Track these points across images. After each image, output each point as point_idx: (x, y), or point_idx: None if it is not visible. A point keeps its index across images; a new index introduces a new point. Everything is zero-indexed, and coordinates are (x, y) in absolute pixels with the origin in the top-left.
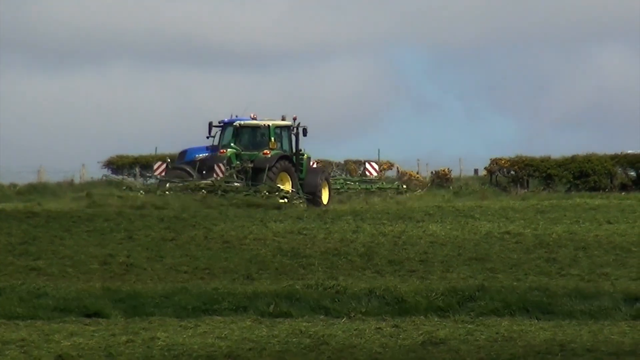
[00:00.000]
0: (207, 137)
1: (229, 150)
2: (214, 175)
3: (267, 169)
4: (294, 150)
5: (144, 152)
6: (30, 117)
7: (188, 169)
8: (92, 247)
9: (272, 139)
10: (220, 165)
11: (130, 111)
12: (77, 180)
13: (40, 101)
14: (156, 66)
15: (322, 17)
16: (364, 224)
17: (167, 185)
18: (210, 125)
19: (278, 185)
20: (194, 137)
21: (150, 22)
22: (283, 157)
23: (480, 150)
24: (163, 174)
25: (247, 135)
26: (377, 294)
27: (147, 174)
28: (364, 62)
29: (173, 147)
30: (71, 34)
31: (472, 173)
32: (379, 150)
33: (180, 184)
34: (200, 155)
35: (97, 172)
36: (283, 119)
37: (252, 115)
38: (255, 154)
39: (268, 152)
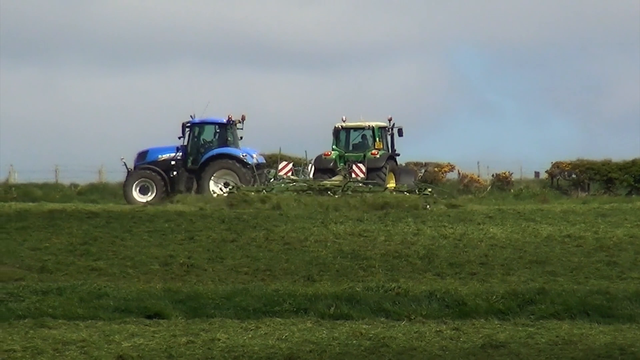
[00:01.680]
0: (179, 138)
1: (332, 152)
2: (353, 175)
3: (380, 168)
4: (389, 150)
5: None
6: (92, 117)
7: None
8: (153, 248)
9: (377, 139)
10: (360, 165)
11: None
12: None
13: (101, 101)
14: (218, 66)
15: (384, 17)
16: (425, 227)
17: (289, 185)
18: (184, 125)
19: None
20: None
21: (213, 22)
22: (390, 157)
23: (541, 153)
24: (290, 174)
25: (349, 137)
26: (438, 296)
27: (265, 174)
28: (424, 63)
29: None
30: (134, 33)
31: (532, 176)
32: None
33: (303, 184)
34: (164, 155)
35: None
36: (390, 120)
37: (388, 118)
38: (359, 155)
39: (376, 152)
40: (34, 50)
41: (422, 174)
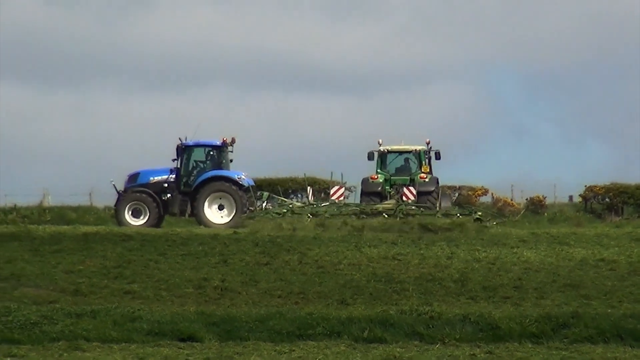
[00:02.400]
0: (174, 160)
1: (379, 175)
2: (404, 198)
3: (430, 192)
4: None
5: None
6: (125, 140)
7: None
8: (187, 271)
9: (424, 162)
10: (411, 188)
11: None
12: None
13: (135, 125)
14: (256, 89)
15: (422, 42)
16: (458, 250)
17: (342, 209)
18: (179, 148)
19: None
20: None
21: (249, 45)
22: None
23: (575, 177)
24: (342, 198)
25: (394, 160)
26: (471, 320)
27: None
28: (460, 87)
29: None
30: (168, 57)
31: (566, 199)
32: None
33: (355, 208)
34: (156, 177)
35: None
36: (428, 144)
37: (426, 141)
38: (405, 179)
39: (424, 175)
40: (69, 74)
41: (455, 197)
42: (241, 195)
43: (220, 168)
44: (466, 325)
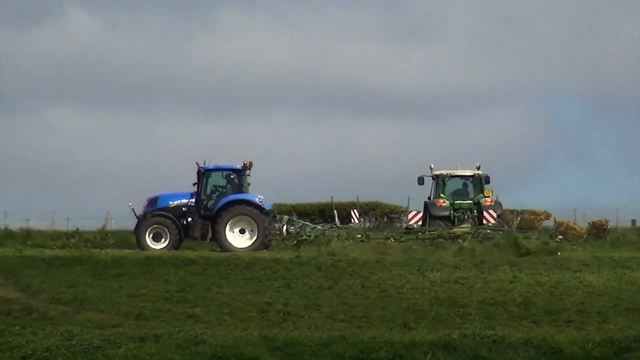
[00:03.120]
0: (194, 184)
1: (443, 199)
2: (484, 221)
3: (499, 215)
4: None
5: (300, 201)
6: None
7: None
8: (250, 295)
9: (484, 186)
10: (491, 211)
11: (291, 159)
12: None
13: (198, 148)
14: (320, 113)
15: (482, 65)
16: (521, 274)
17: (418, 234)
18: (199, 171)
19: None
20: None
21: (313, 70)
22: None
23: (637, 201)
24: (419, 223)
25: (455, 185)
26: (534, 344)
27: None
28: (521, 111)
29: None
30: (232, 81)
31: (629, 224)
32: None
33: (433, 232)
34: (175, 201)
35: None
36: (478, 168)
37: (477, 165)
38: (468, 203)
39: (489, 199)
40: (132, 98)
41: (517, 221)
42: (263, 218)
43: (241, 191)
44: (529, 349)
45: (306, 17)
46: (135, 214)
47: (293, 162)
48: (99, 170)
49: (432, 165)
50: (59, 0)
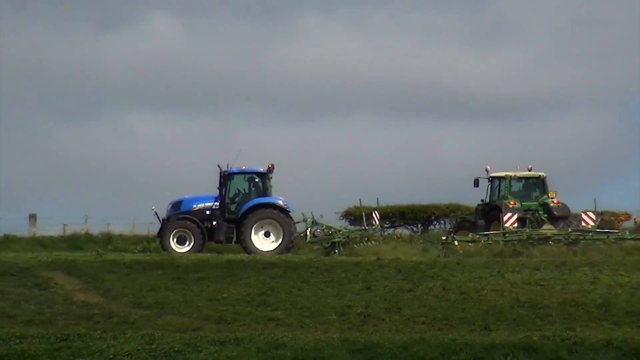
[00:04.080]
0: (218, 187)
1: (514, 201)
2: (583, 223)
3: (567, 217)
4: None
5: (382, 203)
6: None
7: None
8: (330, 298)
9: (548, 188)
10: (589, 213)
11: (371, 162)
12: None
13: (276, 152)
14: (400, 116)
15: (562, 68)
16: (602, 275)
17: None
18: (223, 174)
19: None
20: (432, 187)
21: (392, 73)
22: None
23: None
24: (515, 224)
25: (521, 186)
26: (615, 345)
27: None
28: (601, 113)
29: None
30: (310, 85)
31: None
32: (595, 199)
33: (522, 234)
34: (199, 204)
35: (334, 223)
36: (529, 170)
37: (528, 167)
38: (534, 204)
39: (557, 201)
40: (209, 103)
41: (597, 222)
42: (288, 221)
43: (265, 195)
44: (609, 350)
45: (385, 21)
46: (158, 217)
47: (372, 165)
48: (179, 175)
49: (489, 167)
50: (140, 4)
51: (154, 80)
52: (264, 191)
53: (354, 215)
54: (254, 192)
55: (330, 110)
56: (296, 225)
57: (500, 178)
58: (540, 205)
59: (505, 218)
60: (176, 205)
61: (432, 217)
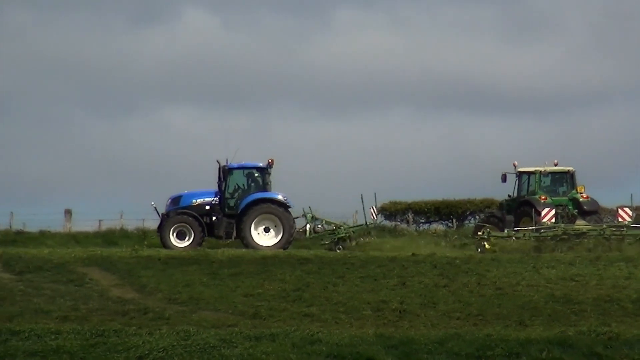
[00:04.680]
0: (218, 182)
1: (541, 194)
2: (619, 219)
3: (596, 211)
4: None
5: (416, 199)
6: (306, 162)
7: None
8: (365, 294)
9: (576, 183)
10: (626, 209)
11: (405, 157)
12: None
13: (316, 147)
14: (435, 111)
15: (599, 62)
16: (637, 270)
17: (549, 231)
18: (223, 170)
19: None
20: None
21: (430, 68)
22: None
23: None
24: (553, 220)
25: (549, 181)
26: None
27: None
28: (635, 108)
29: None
30: (347, 80)
31: None
32: (631, 195)
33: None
34: (199, 200)
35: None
36: (555, 165)
37: (555, 162)
38: (562, 199)
39: (586, 196)
40: (247, 98)
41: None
42: (288, 216)
43: (265, 190)
44: None
45: (421, 15)
46: (157, 212)
47: (408, 160)
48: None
49: (516, 163)
50: None
51: (190, 75)
52: (264, 186)
53: (389, 211)
54: (254, 187)
55: (366, 104)
56: (295, 220)
57: (529, 173)
58: (570, 200)
59: (543, 213)
60: (176, 200)
61: (467, 213)
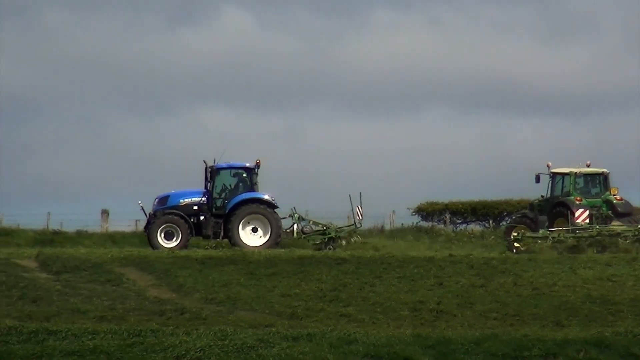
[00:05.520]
0: (205, 182)
1: (576, 195)
2: None
3: (631, 213)
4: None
5: (453, 199)
6: (339, 163)
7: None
8: (403, 294)
9: (609, 184)
10: None
11: (442, 157)
12: (387, 226)
13: (348, 147)
14: (472, 112)
15: (635, 63)
16: None
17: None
18: (209, 169)
19: None
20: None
21: (466, 69)
22: None
23: None
24: (587, 220)
25: (582, 182)
26: None
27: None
28: None
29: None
30: (382, 80)
31: None
32: None
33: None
34: (186, 200)
35: (406, 219)
36: (588, 166)
37: (587, 163)
38: (597, 200)
39: (620, 197)
40: (281, 98)
41: None
42: (275, 217)
43: (252, 190)
44: None
45: (458, 16)
46: (144, 212)
47: (445, 160)
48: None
49: (550, 164)
50: None
51: (226, 74)
52: (251, 186)
53: (426, 212)
54: (242, 187)
55: (401, 105)
56: (282, 220)
57: (562, 174)
58: (604, 202)
59: (577, 214)
60: (163, 200)
61: (504, 213)
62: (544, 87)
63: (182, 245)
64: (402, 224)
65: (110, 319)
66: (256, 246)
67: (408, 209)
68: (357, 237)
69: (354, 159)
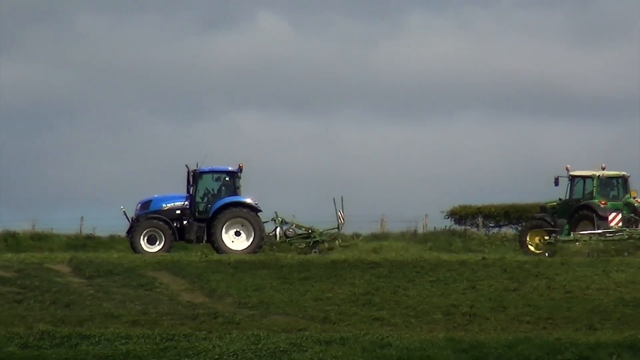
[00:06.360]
0: (187, 186)
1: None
2: None
3: None
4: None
5: (486, 202)
6: (372, 167)
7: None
8: (435, 297)
9: (629, 187)
10: None
11: (475, 160)
12: (420, 230)
13: (383, 150)
14: (504, 115)
15: None
16: None
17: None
18: (194, 174)
19: None
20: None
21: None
22: None
23: None
24: (620, 224)
25: (604, 185)
26: None
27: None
28: None
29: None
30: (414, 84)
31: None
32: None
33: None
34: (169, 204)
35: (439, 222)
36: (603, 169)
37: (602, 166)
38: (618, 204)
39: (639, 200)
40: (315, 103)
41: None
42: (258, 220)
43: (235, 194)
44: None
45: (491, 20)
46: (127, 217)
47: (478, 163)
48: (281, 175)
49: (569, 166)
50: (247, 2)
51: (259, 78)
52: (234, 190)
53: (459, 215)
54: (224, 191)
55: (434, 108)
56: (264, 224)
57: (584, 177)
58: (625, 205)
59: (610, 217)
60: (145, 204)
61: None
62: (575, 91)
63: (165, 250)
64: (434, 228)
65: (143, 323)
66: (239, 250)
67: (441, 212)
68: (339, 240)
69: (387, 163)
